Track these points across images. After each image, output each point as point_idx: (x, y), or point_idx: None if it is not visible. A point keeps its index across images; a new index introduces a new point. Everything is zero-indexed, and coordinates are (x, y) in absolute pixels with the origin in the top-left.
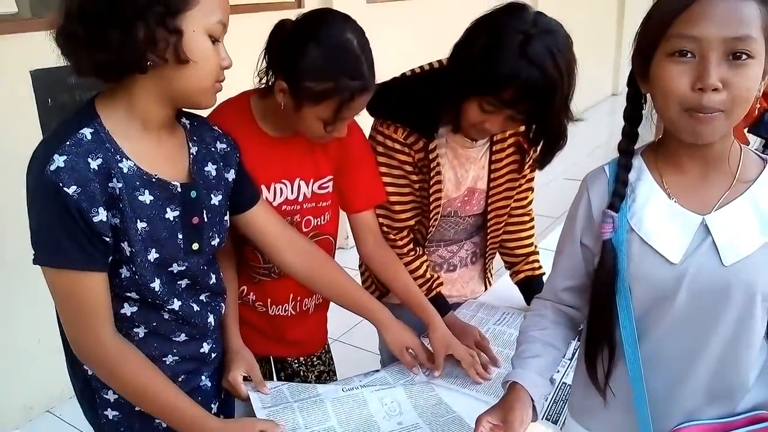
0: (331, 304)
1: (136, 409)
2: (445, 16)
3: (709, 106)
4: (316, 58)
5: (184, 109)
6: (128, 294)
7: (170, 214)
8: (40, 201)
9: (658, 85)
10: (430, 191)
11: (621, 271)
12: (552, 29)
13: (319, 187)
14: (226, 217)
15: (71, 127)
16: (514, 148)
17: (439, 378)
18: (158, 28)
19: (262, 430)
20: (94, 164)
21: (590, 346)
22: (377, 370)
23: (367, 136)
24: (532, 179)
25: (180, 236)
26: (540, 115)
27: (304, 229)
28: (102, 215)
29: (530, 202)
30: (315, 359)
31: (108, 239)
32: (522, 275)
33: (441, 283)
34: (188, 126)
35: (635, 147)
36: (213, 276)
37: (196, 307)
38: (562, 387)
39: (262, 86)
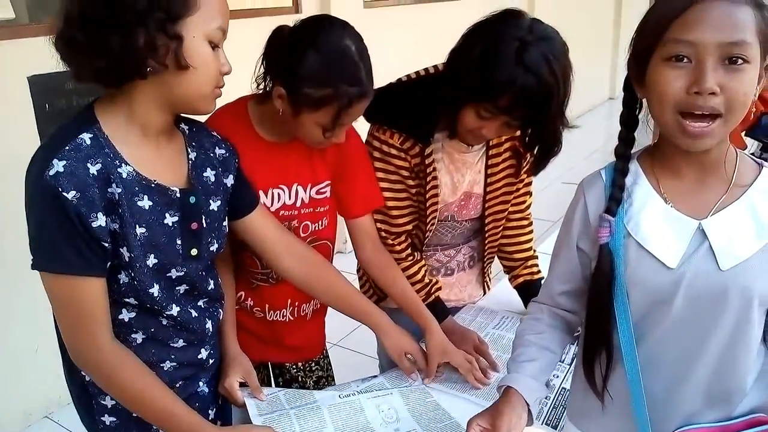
0: (329, 309)
1: (134, 415)
2: (442, 20)
3: (706, 105)
4: (314, 64)
5: (182, 115)
6: (126, 300)
7: (169, 220)
8: (38, 206)
9: (654, 89)
10: (427, 196)
11: (618, 276)
12: (548, 36)
13: (317, 193)
14: (225, 223)
15: (70, 132)
16: (510, 152)
17: (437, 383)
18: (159, 34)
19: None
20: (93, 169)
21: (588, 350)
22: (375, 376)
23: (363, 141)
24: (529, 183)
25: (179, 242)
26: (536, 121)
27: (302, 235)
28: (101, 220)
29: (528, 207)
30: (313, 365)
31: (107, 244)
32: (521, 279)
33: (439, 288)
34: (187, 131)
35: (632, 151)
36: (211, 282)
37: (194, 313)
38: (562, 392)
39: (260, 91)
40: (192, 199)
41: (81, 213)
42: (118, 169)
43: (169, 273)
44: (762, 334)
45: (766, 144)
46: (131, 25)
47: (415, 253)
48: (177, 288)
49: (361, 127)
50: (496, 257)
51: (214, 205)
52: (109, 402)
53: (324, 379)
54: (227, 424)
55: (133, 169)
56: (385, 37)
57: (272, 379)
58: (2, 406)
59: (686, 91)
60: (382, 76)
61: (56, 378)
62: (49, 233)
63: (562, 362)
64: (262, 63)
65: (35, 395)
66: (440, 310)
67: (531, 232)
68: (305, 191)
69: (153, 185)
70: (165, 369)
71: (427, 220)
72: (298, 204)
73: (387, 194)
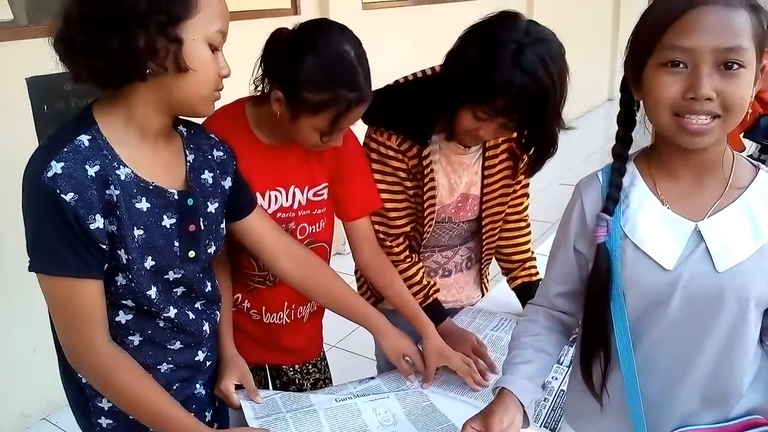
0: (327, 310)
1: (131, 417)
2: (441, 21)
3: (702, 110)
4: (313, 69)
5: (180, 117)
6: (123, 302)
7: (167, 222)
8: (36, 207)
9: (650, 94)
10: (424, 197)
11: (615, 277)
12: (544, 38)
13: (314, 195)
14: (223, 225)
15: (69, 133)
16: (507, 154)
17: (435, 386)
18: (159, 36)
19: None
20: (91, 171)
21: (585, 351)
22: (372, 378)
23: (360, 143)
24: (527, 185)
25: (176, 244)
26: (532, 122)
27: (299, 237)
28: (99, 222)
29: (526, 208)
30: (310, 367)
31: (104, 246)
32: (519, 281)
33: (437, 290)
34: (185, 134)
35: (629, 152)
36: (209, 284)
37: (191, 315)
38: (561, 394)
39: (258, 93)
40: (190, 201)
41: (79, 215)
42: (117, 171)
43: (166, 275)
44: (759, 335)
45: (764, 145)
46: (131, 27)
47: (413, 255)
48: (174, 290)
49: (359, 129)
50: (494, 259)
51: (212, 207)
52: (105, 404)
53: (321, 381)
54: (224, 427)
55: (132, 171)
56: (384, 38)
57: (269, 381)
58: (0, 408)
59: (682, 97)
60: (381, 78)
61: (54, 380)
62: (47, 235)
63: (561, 364)
64: (260, 65)
65: (33, 397)
66: (438, 312)
67: (529, 233)
68: (302, 193)
69: (151, 187)
70: (162, 371)
71: (425, 222)
72: (296, 206)
73: (385, 196)
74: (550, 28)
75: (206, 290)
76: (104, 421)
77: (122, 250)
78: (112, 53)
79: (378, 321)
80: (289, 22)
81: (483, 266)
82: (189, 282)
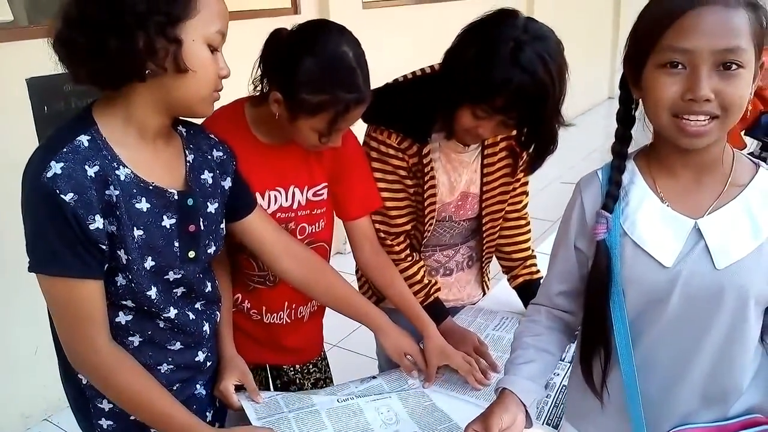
0: (328, 309)
1: (131, 418)
2: (441, 20)
3: (701, 111)
4: (311, 70)
5: (180, 117)
6: (123, 302)
7: (167, 222)
8: (36, 208)
9: (650, 94)
10: (425, 196)
11: (614, 274)
12: (543, 35)
13: (314, 195)
14: (222, 225)
15: (68, 134)
16: (506, 152)
17: (437, 385)
18: (158, 37)
19: None
20: (91, 171)
21: (585, 349)
22: (373, 377)
23: (360, 142)
24: (526, 183)
25: (176, 244)
26: (532, 120)
27: (299, 237)
28: (98, 223)
29: (525, 206)
30: (311, 366)
31: (104, 247)
32: (520, 280)
33: (438, 289)
34: (185, 134)
35: (629, 150)
36: (209, 284)
37: (191, 316)
38: (563, 390)
39: (257, 94)
40: (190, 202)
41: (78, 215)
42: (116, 172)
43: (166, 275)
44: (759, 334)
45: (765, 143)
46: (131, 28)
47: (414, 254)
48: (174, 290)
49: (359, 128)
50: (494, 257)
51: (212, 208)
52: (106, 405)
53: (322, 381)
54: (224, 427)
55: (131, 172)
56: (384, 37)
57: (270, 381)
58: (1, 409)
59: (681, 98)
60: (381, 77)
61: (56, 380)
62: (46, 235)
63: (563, 360)
64: (259, 66)
65: (34, 397)
66: (439, 311)
67: (529, 231)
68: (302, 193)
69: (151, 187)
70: (162, 372)
71: (425, 220)
72: (295, 206)
73: (385, 194)
74: (550, 26)
75: (206, 290)
76: (105, 422)
77: (122, 251)
78: (112, 54)
79: (380, 320)
80: (289, 22)
81: (484, 265)
82: (189, 282)
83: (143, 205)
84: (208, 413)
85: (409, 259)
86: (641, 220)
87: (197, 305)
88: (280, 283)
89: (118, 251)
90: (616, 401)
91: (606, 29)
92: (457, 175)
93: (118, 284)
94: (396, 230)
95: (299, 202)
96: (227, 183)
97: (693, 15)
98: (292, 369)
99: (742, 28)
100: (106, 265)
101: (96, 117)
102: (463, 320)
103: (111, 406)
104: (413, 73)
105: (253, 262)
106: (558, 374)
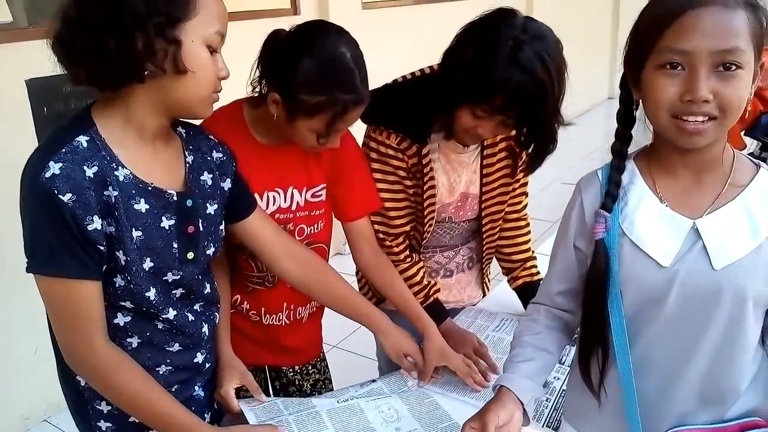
0: (327, 310)
1: (130, 419)
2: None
3: (700, 112)
4: (309, 71)
5: (179, 118)
6: (122, 303)
7: (165, 223)
8: (34, 208)
9: (649, 95)
10: (425, 196)
11: (612, 274)
12: (541, 34)
13: (312, 196)
14: (222, 227)
15: (67, 134)
16: (506, 152)
17: (437, 386)
18: (157, 38)
19: None
20: (89, 172)
21: (584, 349)
22: (373, 380)
23: (359, 143)
24: (525, 183)
25: (175, 245)
26: (531, 119)
27: (298, 238)
28: (97, 223)
29: (524, 207)
30: (310, 367)
31: (102, 248)
32: (520, 281)
33: (438, 290)
34: (184, 135)
35: (629, 151)
36: (207, 285)
37: (190, 317)
38: (563, 394)
39: (255, 94)
40: (189, 203)
41: (76, 216)
42: (115, 172)
43: (165, 276)
44: (758, 336)
45: (765, 143)
46: (130, 29)
47: (414, 255)
48: (173, 292)
49: (358, 128)
50: (494, 258)
51: (211, 209)
52: (104, 407)
53: (321, 382)
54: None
55: (130, 172)
56: (384, 38)
57: (269, 382)
58: (1, 410)
59: (680, 99)
60: (381, 78)
61: (55, 381)
62: (45, 236)
63: (563, 364)
64: (258, 67)
65: (34, 399)
66: (439, 312)
67: (528, 232)
68: (301, 194)
69: (150, 188)
70: (160, 373)
71: (425, 221)
72: (294, 207)
73: (385, 195)
74: (549, 25)
75: (205, 292)
76: (104, 425)
77: (121, 252)
78: (111, 55)
79: (380, 320)
80: (289, 23)
81: (484, 266)
82: (188, 283)
83: (142, 206)
84: (206, 415)
85: (409, 260)
86: (640, 219)
87: (196, 306)
88: (279, 284)
89: (117, 252)
90: (613, 401)
91: (605, 29)
92: (456, 175)
93: (117, 285)
94: (395, 231)
95: (298, 203)
96: (227, 184)
97: (692, 16)
98: (291, 370)
99: (741, 29)
100: (105, 265)
101: (95, 118)
102: (463, 321)
103: (110, 407)
104: (412, 73)
105: (252, 263)
106: (558, 378)
